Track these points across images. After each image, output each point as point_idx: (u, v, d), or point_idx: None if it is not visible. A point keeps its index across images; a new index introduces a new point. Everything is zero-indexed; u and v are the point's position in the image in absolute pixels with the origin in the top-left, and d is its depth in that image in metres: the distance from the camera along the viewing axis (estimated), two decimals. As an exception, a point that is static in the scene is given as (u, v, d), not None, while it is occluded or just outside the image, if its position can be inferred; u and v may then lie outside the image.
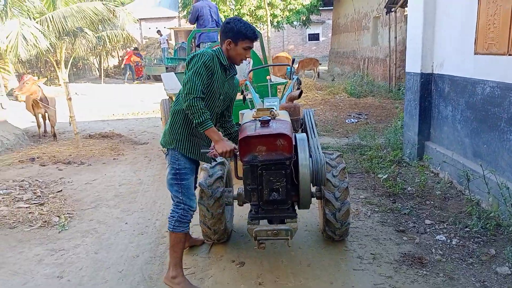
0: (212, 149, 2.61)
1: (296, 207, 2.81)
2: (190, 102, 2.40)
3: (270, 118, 2.63)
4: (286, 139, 2.46)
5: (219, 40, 2.69)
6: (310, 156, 2.72)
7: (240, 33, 2.52)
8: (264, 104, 3.67)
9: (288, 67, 4.13)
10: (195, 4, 6.83)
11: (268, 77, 4.77)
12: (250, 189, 2.62)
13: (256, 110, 2.85)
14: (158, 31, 22.65)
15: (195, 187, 2.98)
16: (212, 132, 2.51)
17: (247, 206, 2.88)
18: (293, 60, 4.29)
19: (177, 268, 2.70)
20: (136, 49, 21.32)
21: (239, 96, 3.55)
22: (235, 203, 3.20)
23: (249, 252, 3.19)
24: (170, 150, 2.65)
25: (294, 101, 3.78)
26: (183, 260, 2.79)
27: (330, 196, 2.93)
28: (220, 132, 2.67)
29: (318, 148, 2.88)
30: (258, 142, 2.47)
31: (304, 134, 2.87)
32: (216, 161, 3.11)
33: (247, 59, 2.74)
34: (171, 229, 2.67)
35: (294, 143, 2.61)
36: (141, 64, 21.20)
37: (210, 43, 6.52)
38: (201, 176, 3.05)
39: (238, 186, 3.15)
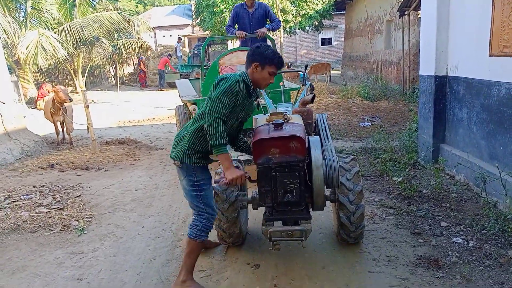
0: (223, 177, 2.60)
1: (310, 209, 2.83)
2: (211, 122, 2.41)
3: (283, 121, 2.67)
4: (299, 141, 2.50)
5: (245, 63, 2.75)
6: (324, 158, 2.74)
7: (268, 58, 2.60)
8: (278, 109, 3.71)
9: (301, 73, 4.16)
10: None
11: (281, 83, 4.82)
12: (264, 191, 2.66)
13: (269, 114, 2.89)
14: (179, 38, 22.99)
15: None
16: (224, 159, 2.50)
17: (262, 210, 2.91)
18: (306, 66, 4.32)
19: (188, 274, 2.71)
20: (141, 58, 21.90)
21: None
22: (250, 206, 3.23)
23: (264, 254, 3.22)
24: (185, 163, 2.65)
25: (307, 105, 3.82)
26: (199, 263, 2.82)
27: (344, 200, 2.94)
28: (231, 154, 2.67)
29: (331, 150, 2.91)
30: (272, 144, 2.52)
31: (317, 136, 2.89)
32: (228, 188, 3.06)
33: None
34: (192, 237, 2.66)
35: (307, 146, 2.64)
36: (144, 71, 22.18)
37: None
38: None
39: (252, 190, 3.19)
